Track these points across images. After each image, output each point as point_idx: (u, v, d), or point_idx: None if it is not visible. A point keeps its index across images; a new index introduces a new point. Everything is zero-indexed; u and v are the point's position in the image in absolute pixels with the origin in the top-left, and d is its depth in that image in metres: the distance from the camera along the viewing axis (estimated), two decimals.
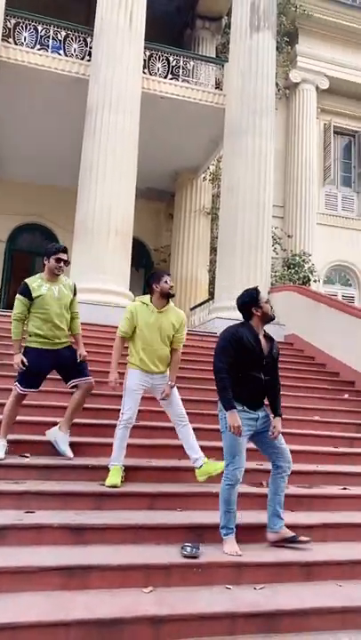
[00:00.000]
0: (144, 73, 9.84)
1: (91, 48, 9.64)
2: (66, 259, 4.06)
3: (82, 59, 9.76)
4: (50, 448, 3.98)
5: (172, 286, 3.96)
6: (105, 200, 8.81)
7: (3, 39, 9.26)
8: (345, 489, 4.19)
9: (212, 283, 11.86)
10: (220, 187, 11.00)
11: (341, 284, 14.44)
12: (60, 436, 4.00)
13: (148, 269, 14.53)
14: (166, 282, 3.93)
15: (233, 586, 2.96)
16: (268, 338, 3.39)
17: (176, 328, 3.99)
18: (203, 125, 10.89)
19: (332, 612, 2.82)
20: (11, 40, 9.48)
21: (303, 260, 11.89)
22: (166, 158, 12.29)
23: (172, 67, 10.34)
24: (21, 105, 10.33)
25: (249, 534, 3.35)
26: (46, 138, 11.46)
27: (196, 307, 11.93)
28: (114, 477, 3.71)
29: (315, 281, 11.82)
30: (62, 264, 4.04)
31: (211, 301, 10.80)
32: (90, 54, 9.63)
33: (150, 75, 10.09)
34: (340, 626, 2.79)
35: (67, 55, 9.73)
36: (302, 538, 3.32)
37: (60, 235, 13.52)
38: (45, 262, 4.06)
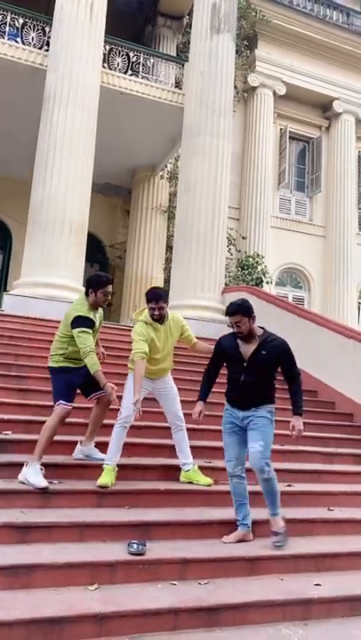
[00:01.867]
0: (104, 67, 9.75)
1: (49, 38, 9.45)
2: (110, 291, 4.01)
3: (40, 48, 9.55)
4: None
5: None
6: (60, 193, 8.67)
7: None
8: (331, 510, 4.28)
9: (167, 281, 11.89)
10: (178, 185, 11.05)
11: (292, 286, 14.81)
12: (91, 450, 4.03)
13: (104, 265, 14.40)
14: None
15: (178, 581, 3.00)
16: (264, 343, 3.41)
17: (180, 333, 4.06)
18: (161, 123, 10.90)
19: (272, 604, 2.91)
20: None
21: (257, 262, 12.11)
22: (124, 154, 12.22)
23: (133, 63, 10.29)
24: None
25: (196, 530, 3.40)
26: (2, 128, 11.13)
27: None
28: (105, 477, 3.68)
29: (267, 282, 12.05)
30: (109, 297, 4.02)
31: None
32: (48, 44, 9.44)
33: (110, 69, 10.01)
34: (281, 618, 2.88)
35: (24, 44, 9.50)
36: (274, 539, 3.41)
37: (14, 228, 13.18)
38: (91, 294, 3.93)
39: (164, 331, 3.99)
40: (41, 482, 3.48)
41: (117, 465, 3.80)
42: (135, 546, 3.07)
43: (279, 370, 3.53)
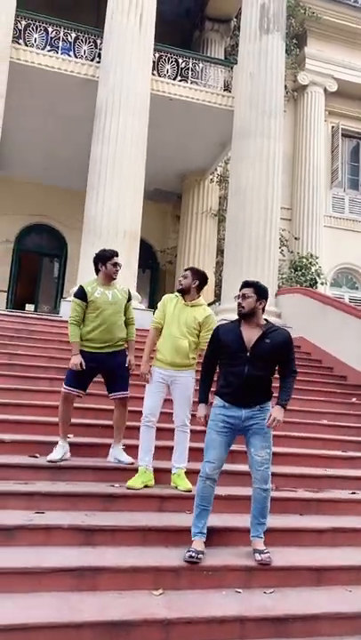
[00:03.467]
0: (153, 75, 9.87)
1: (100, 50, 9.67)
2: (119, 262, 4.12)
3: (91, 60, 9.79)
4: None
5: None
6: (113, 201, 8.83)
7: (13, 41, 9.30)
8: (354, 493, 4.17)
9: (218, 284, 11.84)
10: (228, 188, 11.01)
11: (348, 287, 14.39)
12: (116, 452, 4.04)
13: (155, 271, 14.56)
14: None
15: (243, 589, 2.95)
16: (268, 331, 3.16)
17: (198, 322, 3.87)
18: (211, 127, 10.90)
19: (342, 617, 2.81)
20: (21, 41, 9.52)
21: (310, 263, 11.86)
22: (174, 160, 12.31)
23: (182, 68, 10.36)
24: (30, 106, 10.36)
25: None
26: (54, 139, 11.49)
27: None
28: (133, 479, 3.69)
29: (322, 284, 11.78)
30: (118, 268, 4.11)
31: (217, 303, 10.79)
32: (99, 56, 9.67)
33: (159, 76, 10.12)
34: (351, 631, 2.78)
35: (76, 57, 9.76)
36: (258, 556, 3.07)
37: (67, 235, 13.55)
38: (101, 268, 4.09)
39: (189, 310, 3.90)
40: (53, 455, 3.79)
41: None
42: (192, 553, 3.02)
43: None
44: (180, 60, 10.41)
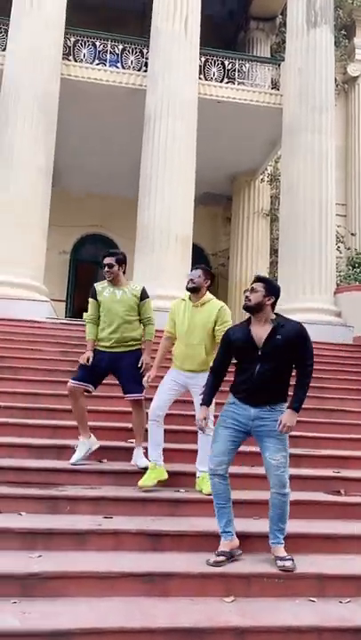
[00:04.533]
0: (200, 78, 9.89)
1: (147, 59, 9.81)
2: (108, 262, 4.08)
3: (139, 70, 9.94)
4: (125, 454, 4.02)
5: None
6: (165, 207, 8.91)
7: (63, 57, 9.58)
8: None
9: None
10: (279, 187, 10.84)
11: None
12: (136, 455, 4.00)
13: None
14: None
15: (317, 598, 2.85)
16: (278, 327, 3.01)
17: (213, 319, 3.75)
18: (260, 127, 10.79)
19: None
20: (71, 58, 9.81)
21: None
22: (223, 162, 12.26)
23: (228, 70, 10.33)
24: (81, 119, 10.64)
25: (330, 544, 3.23)
26: (106, 150, 11.75)
27: None
28: (144, 478, 3.66)
29: None
30: (107, 268, 4.09)
31: None
32: (146, 65, 9.80)
33: (206, 80, 10.13)
34: None
35: (124, 68, 9.95)
36: (281, 563, 2.94)
37: (122, 244, 13.75)
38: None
39: (199, 315, 3.78)
40: (75, 457, 3.85)
41: (242, 474, 3.74)
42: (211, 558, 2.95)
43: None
44: (227, 62, 10.38)
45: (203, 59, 10.12)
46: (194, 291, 3.80)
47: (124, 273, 4.17)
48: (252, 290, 3.06)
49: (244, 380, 3.05)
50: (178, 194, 9.00)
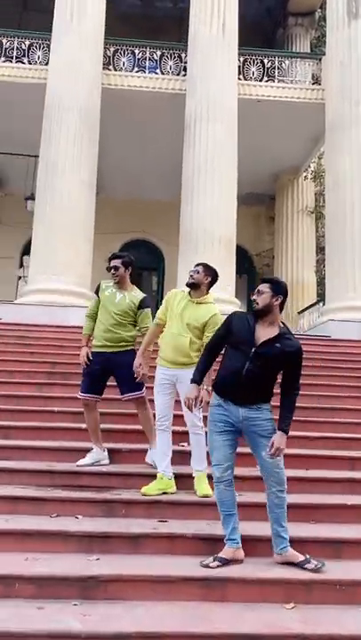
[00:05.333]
0: (239, 79, 9.85)
1: (185, 63, 9.86)
2: (114, 264, 4.08)
3: (177, 74, 10.01)
4: (178, 457, 4.01)
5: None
6: (207, 210, 8.91)
7: (103, 67, 9.76)
8: None
9: (320, 284, 11.44)
10: (324, 184, 10.62)
11: None
12: (151, 455, 4.01)
13: (251, 275, 14.41)
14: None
15: None
16: (281, 336, 2.94)
17: (202, 322, 3.63)
18: (302, 124, 10.62)
19: None
20: (111, 67, 9.99)
21: None
22: (265, 161, 12.15)
23: (267, 68, 10.24)
24: (122, 127, 10.80)
25: None
26: (147, 155, 11.87)
27: (303, 310, 11.57)
28: (149, 486, 3.58)
29: None
30: (112, 271, 4.09)
31: (320, 303, 10.40)
32: (185, 69, 9.85)
33: (245, 79, 10.08)
34: None
35: (163, 73, 10.04)
36: (310, 565, 2.86)
37: (165, 248, 13.89)
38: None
39: (194, 312, 3.68)
40: (82, 460, 3.88)
41: (300, 477, 3.66)
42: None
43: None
44: (266, 60, 10.29)
45: (242, 59, 10.08)
46: (193, 286, 3.72)
47: (130, 275, 4.18)
48: (259, 292, 2.98)
49: (229, 377, 2.96)
50: (220, 196, 8.98)
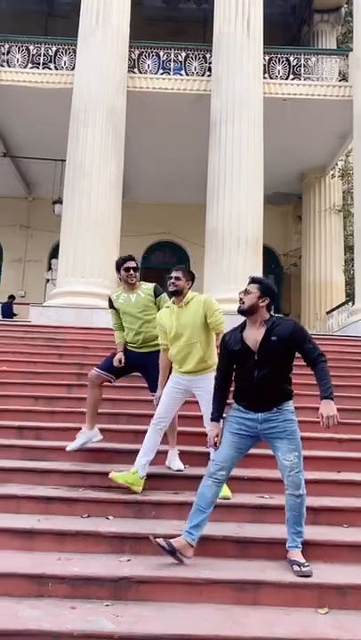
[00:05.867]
0: (264, 78, 9.79)
1: (210, 63, 9.84)
2: (134, 265, 4.15)
3: (202, 75, 10.00)
4: (207, 459, 3.98)
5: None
6: (233, 210, 8.86)
7: (128, 71, 9.82)
8: None
9: (349, 283, 11.26)
10: (352, 181, 10.45)
11: None
12: (169, 457, 4.01)
13: (278, 275, 14.28)
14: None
15: None
16: (271, 328, 2.94)
17: (200, 314, 3.65)
18: (329, 121, 10.49)
19: None
20: (135, 70, 10.04)
21: None
22: (292, 160, 12.03)
23: (293, 66, 10.15)
24: (146, 129, 10.85)
25: None
26: (171, 157, 11.89)
27: (332, 310, 11.40)
28: (119, 473, 3.55)
29: None
30: (132, 272, 4.14)
31: (349, 303, 10.23)
32: (210, 69, 9.84)
33: (271, 78, 10.01)
34: None
35: (187, 74, 10.06)
36: (298, 568, 2.84)
37: (190, 249, 13.90)
38: (118, 276, 4.22)
39: (185, 314, 3.68)
40: (72, 444, 3.95)
41: (331, 480, 3.59)
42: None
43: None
44: (292, 58, 10.19)
45: (267, 57, 10.01)
46: (176, 294, 3.75)
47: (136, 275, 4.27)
48: (246, 292, 2.98)
49: (244, 387, 2.99)
50: (247, 195, 8.93)
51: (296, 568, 2.85)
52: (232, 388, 3.18)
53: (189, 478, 3.82)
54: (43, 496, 3.51)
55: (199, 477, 3.79)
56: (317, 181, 12.58)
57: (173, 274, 3.74)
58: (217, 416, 3.10)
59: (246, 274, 8.65)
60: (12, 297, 13.32)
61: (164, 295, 4.16)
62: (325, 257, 12.24)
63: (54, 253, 13.44)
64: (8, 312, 12.72)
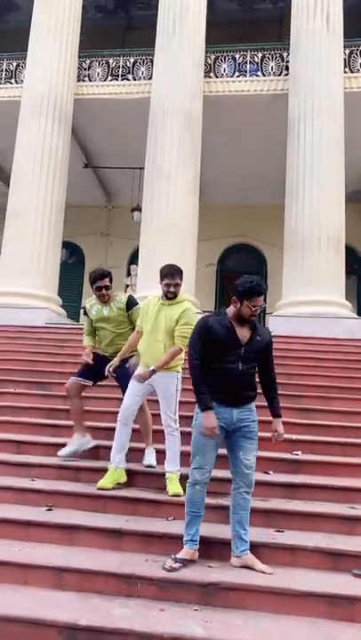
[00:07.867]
0: (345, 72, 9.44)
1: (287, 62, 9.66)
2: (106, 284, 4.10)
3: (279, 75, 9.83)
4: (289, 466, 3.89)
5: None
6: (314, 210, 8.61)
7: (205, 76, 9.87)
8: None
9: None
10: None
11: None
12: (146, 454, 4.04)
13: (360, 276, 13.71)
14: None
15: None
16: (255, 328, 3.00)
17: (175, 319, 3.71)
18: None
19: None
20: (211, 74, 10.06)
21: None
22: None
23: None
24: (222, 132, 10.81)
25: None
26: (248, 160, 11.77)
27: None
28: (103, 479, 3.64)
29: None
30: (103, 291, 4.11)
31: None
32: (287, 69, 9.65)
33: (352, 72, 9.64)
34: None
35: (264, 75, 9.93)
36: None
37: (267, 251, 13.68)
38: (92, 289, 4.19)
39: (168, 309, 3.75)
40: (62, 451, 4.00)
41: None
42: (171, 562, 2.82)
43: None
44: None
45: (347, 51, 9.65)
46: (174, 298, 3.79)
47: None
48: (261, 307, 2.98)
49: (224, 380, 2.94)
50: (327, 195, 8.64)
51: (267, 570, 2.86)
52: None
53: (275, 485, 3.74)
54: (130, 497, 3.57)
55: (285, 485, 3.72)
56: None
57: (177, 281, 3.76)
58: (209, 401, 2.92)
59: (329, 274, 8.50)
60: None
61: (138, 307, 4.17)
62: None
63: (133, 260, 13.79)
64: None
